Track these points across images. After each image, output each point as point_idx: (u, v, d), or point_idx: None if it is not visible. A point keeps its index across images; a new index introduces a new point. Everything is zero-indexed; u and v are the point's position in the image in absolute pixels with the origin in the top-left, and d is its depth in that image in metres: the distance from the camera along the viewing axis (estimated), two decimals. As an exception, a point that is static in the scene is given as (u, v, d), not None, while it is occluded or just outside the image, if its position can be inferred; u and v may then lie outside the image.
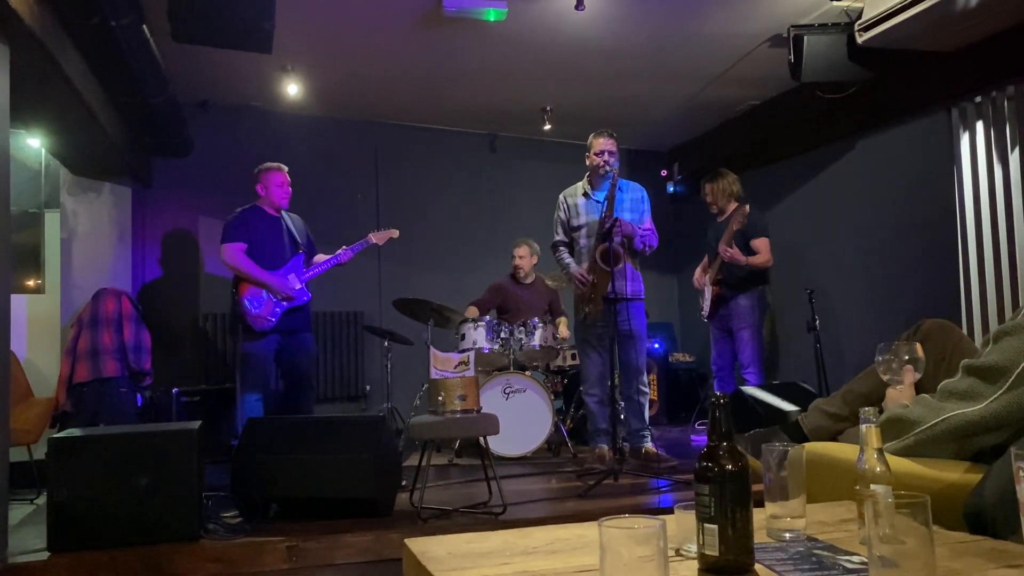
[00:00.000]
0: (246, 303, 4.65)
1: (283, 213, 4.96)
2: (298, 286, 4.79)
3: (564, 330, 5.70)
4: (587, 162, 4.79)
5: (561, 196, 4.90)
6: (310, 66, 5.69)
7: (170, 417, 5.45)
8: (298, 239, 4.93)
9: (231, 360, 6.32)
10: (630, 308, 4.59)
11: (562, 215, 4.86)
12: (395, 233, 5.24)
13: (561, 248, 4.85)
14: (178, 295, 6.31)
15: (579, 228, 4.76)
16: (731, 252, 5.17)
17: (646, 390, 4.74)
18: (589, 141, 4.78)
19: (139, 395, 5.32)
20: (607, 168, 4.59)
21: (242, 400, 4.70)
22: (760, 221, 5.37)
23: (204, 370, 6.25)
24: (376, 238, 5.15)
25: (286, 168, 4.93)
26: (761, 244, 5.28)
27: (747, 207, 5.15)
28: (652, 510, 3.53)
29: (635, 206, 4.74)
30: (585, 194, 4.79)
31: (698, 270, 5.68)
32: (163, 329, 5.91)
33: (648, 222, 4.78)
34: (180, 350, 6.20)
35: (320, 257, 5.03)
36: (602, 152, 4.67)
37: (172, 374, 5.88)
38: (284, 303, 4.72)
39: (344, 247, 5.00)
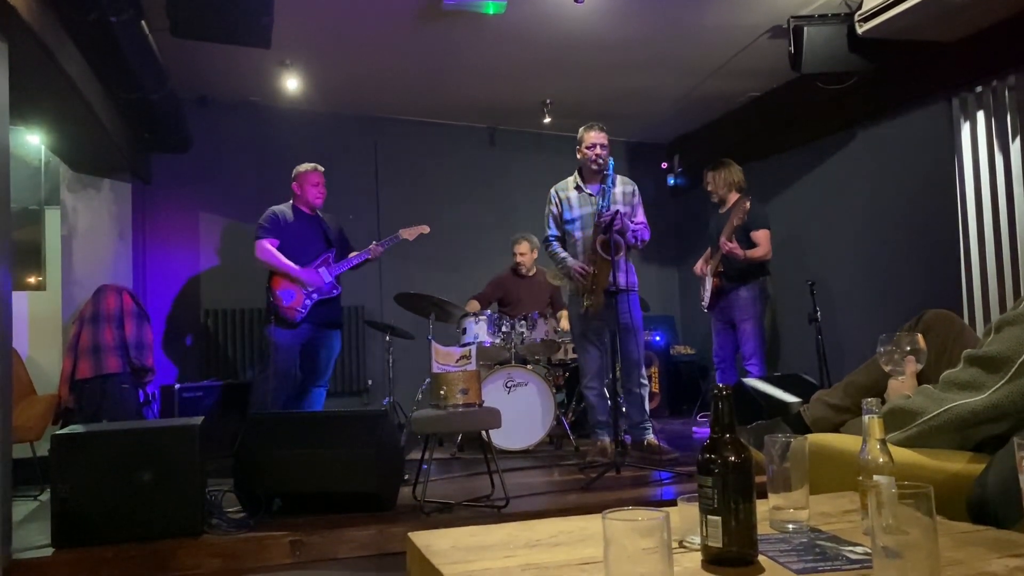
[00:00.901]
0: (279, 295, 4.83)
1: (318, 212, 5.12)
2: (328, 279, 4.94)
3: (566, 323, 5.70)
4: (578, 156, 4.78)
5: (552, 191, 4.88)
6: (309, 61, 5.68)
7: (173, 413, 5.46)
8: (330, 237, 5.07)
9: (234, 356, 6.34)
10: (629, 300, 4.58)
11: (554, 209, 4.84)
12: (426, 229, 5.34)
13: (554, 243, 4.84)
14: (179, 291, 6.32)
15: (572, 221, 4.75)
16: (730, 246, 5.17)
17: (646, 382, 4.74)
18: (579, 135, 4.76)
19: (141, 391, 5.33)
20: (601, 162, 4.59)
21: (263, 388, 4.88)
22: (761, 213, 5.37)
23: (206, 366, 6.26)
24: (406, 234, 5.27)
25: (321, 168, 5.12)
26: (761, 236, 5.27)
27: (747, 202, 5.14)
28: (655, 502, 3.54)
29: (627, 199, 4.73)
30: (577, 187, 4.78)
31: (700, 261, 5.67)
32: (165, 325, 5.91)
33: (640, 216, 4.78)
34: (182, 346, 6.21)
35: (353, 254, 5.15)
36: (594, 146, 4.66)
37: (175, 370, 5.88)
38: (315, 295, 4.88)
39: (374, 242, 5.13)
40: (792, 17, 4.99)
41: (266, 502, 3.38)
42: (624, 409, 4.81)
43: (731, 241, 5.18)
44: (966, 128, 4.95)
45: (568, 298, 4.99)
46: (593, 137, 4.68)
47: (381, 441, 3.43)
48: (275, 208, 5.02)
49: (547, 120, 6.84)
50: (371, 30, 5.20)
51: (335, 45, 5.47)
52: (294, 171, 5.10)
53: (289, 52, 5.47)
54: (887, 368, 2.10)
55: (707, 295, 5.50)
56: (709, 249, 5.60)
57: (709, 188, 5.59)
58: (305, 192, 5.05)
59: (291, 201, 5.09)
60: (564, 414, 5.50)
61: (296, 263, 4.88)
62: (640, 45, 5.55)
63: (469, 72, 6.05)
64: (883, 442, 1.45)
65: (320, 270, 4.93)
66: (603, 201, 4.50)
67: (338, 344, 5.16)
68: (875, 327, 2.49)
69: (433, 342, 3.90)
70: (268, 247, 4.88)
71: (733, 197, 5.44)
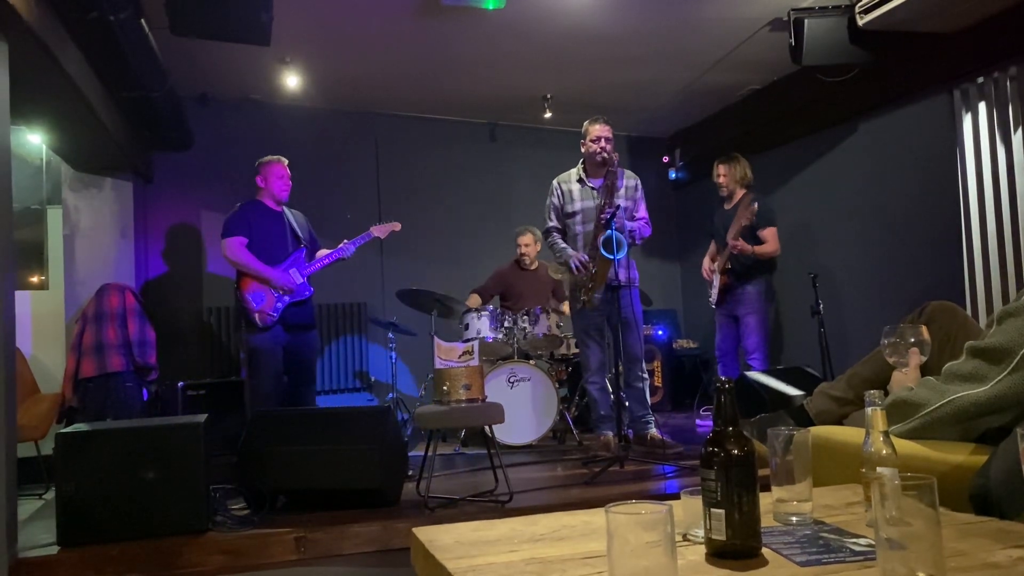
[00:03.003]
0: (248, 298, 4.66)
1: (285, 208, 4.96)
2: (300, 280, 4.80)
3: (567, 307, 5.68)
4: (582, 149, 4.77)
5: (555, 182, 4.87)
6: (309, 58, 5.68)
7: (176, 411, 5.47)
8: (300, 234, 4.92)
9: (236, 353, 6.35)
10: (630, 295, 4.58)
11: (556, 201, 4.83)
12: (397, 226, 5.22)
13: (554, 234, 4.83)
14: (182, 289, 6.32)
15: (574, 215, 4.75)
16: (740, 245, 5.13)
17: (645, 376, 4.74)
18: (584, 128, 4.75)
19: (145, 389, 5.34)
20: (605, 155, 4.57)
21: (252, 393, 4.75)
22: (767, 210, 5.31)
23: (209, 363, 6.27)
24: (378, 231, 5.14)
25: (286, 161, 4.93)
26: (769, 234, 5.23)
27: (755, 204, 5.09)
28: (658, 496, 3.54)
29: (629, 194, 4.73)
30: (580, 180, 4.77)
31: (706, 259, 5.62)
32: (168, 323, 5.92)
33: (642, 211, 4.78)
34: (185, 344, 6.22)
35: (322, 252, 5.02)
36: (598, 139, 4.64)
37: (177, 368, 5.89)
38: (286, 297, 4.72)
39: (346, 241, 4.98)
40: (792, 9, 4.98)
41: (270, 499, 3.39)
42: (626, 403, 4.81)
43: (737, 239, 5.15)
44: (968, 119, 4.94)
45: (568, 292, 4.99)
46: (598, 130, 4.67)
47: (384, 437, 3.43)
48: (241, 205, 4.85)
49: (547, 115, 6.84)
50: (371, 26, 5.20)
51: (335, 42, 5.47)
52: (257, 163, 4.91)
53: (289, 49, 5.47)
54: (891, 360, 2.10)
55: (715, 292, 5.47)
56: (714, 246, 5.57)
57: (721, 181, 5.51)
58: (270, 185, 4.84)
59: (256, 196, 4.89)
60: (567, 409, 5.50)
61: (266, 262, 4.71)
62: (640, 39, 5.54)
63: (469, 67, 6.05)
64: (886, 434, 1.46)
65: (291, 271, 4.77)
66: (604, 195, 4.49)
67: (317, 343, 5.04)
68: (878, 319, 2.50)
69: (435, 338, 3.89)
70: (237, 246, 4.69)
71: (740, 193, 5.42)
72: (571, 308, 4.94)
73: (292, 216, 4.97)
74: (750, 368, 5.16)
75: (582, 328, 4.77)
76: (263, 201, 4.89)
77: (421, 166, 7.16)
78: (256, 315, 4.65)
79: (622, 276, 4.35)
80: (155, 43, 4.43)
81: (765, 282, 5.32)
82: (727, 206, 5.50)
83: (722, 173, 5.50)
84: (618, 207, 4.38)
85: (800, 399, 2.82)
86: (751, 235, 5.23)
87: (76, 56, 4.07)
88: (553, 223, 4.84)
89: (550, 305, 5.57)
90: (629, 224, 4.60)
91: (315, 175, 6.24)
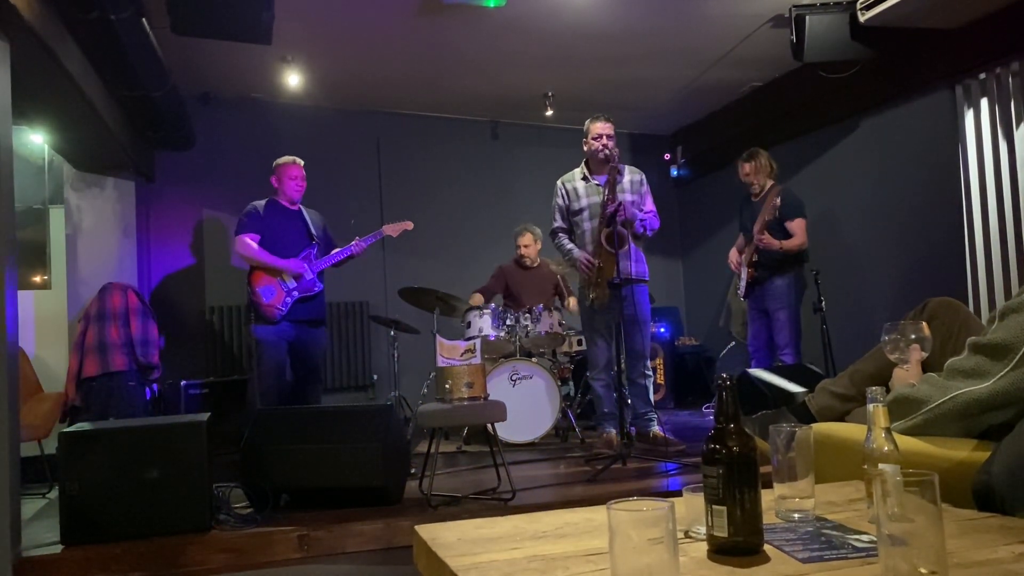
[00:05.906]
0: (259, 292, 4.73)
1: (302, 207, 5.03)
2: (310, 276, 4.83)
3: (574, 303, 5.65)
4: (584, 147, 4.78)
5: (559, 182, 4.87)
6: (310, 56, 5.68)
7: (179, 410, 5.48)
8: (313, 232, 4.98)
9: (239, 352, 6.35)
10: (635, 291, 4.58)
11: (561, 201, 4.83)
12: (409, 225, 5.26)
13: (560, 235, 4.83)
14: (184, 288, 6.33)
15: (580, 212, 4.74)
16: (765, 240, 5.09)
17: (649, 374, 4.74)
18: (586, 126, 4.76)
19: (148, 388, 5.34)
20: (606, 152, 4.57)
21: (257, 387, 4.81)
22: (795, 202, 5.22)
23: (212, 362, 6.27)
24: (389, 230, 5.19)
25: (301, 162, 5.00)
26: (797, 226, 5.16)
27: (778, 198, 5.04)
28: (660, 493, 3.54)
29: (635, 188, 4.73)
30: (584, 178, 4.77)
31: (733, 251, 5.58)
32: (170, 322, 5.92)
33: (649, 204, 4.78)
34: (188, 343, 6.22)
35: (335, 251, 5.06)
36: (600, 136, 4.65)
37: (180, 367, 5.90)
38: (296, 293, 4.78)
39: (357, 238, 5.03)
40: (794, 6, 4.98)
41: (273, 497, 3.39)
42: (628, 400, 4.81)
43: (763, 233, 5.11)
44: (970, 115, 4.93)
45: (578, 290, 4.99)
46: (599, 128, 4.67)
47: (387, 435, 3.43)
48: (255, 203, 4.93)
49: (549, 112, 6.84)
50: (372, 25, 5.20)
51: (336, 40, 5.47)
52: (273, 164, 5.00)
53: (290, 48, 5.48)
54: (892, 357, 2.10)
55: (743, 285, 5.44)
56: (741, 237, 5.54)
57: (748, 179, 5.42)
58: (284, 185, 4.94)
59: (271, 196, 4.98)
60: (569, 406, 5.50)
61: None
62: (641, 36, 5.54)
63: (471, 66, 6.05)
64: (888, 430, 1.45)
65: (302, 265, 4.85)
66: (607, 192, 4.49)
67: (324, 340, 5.09)
68: (880, 316, 2.49)
69: (438, 336, 3.89)
70: (248, 242, 4.77)
71: (769, 184, 5.38)
72: (579, 305, 4.94)
73: (308, 215, 5.04)
74: (782, 364, 5.11)
75: (589, 324, 4.78)
76: (279, 200, 4.98)
77: (423, 164, 7.16)
78: (265, 310, 4.71)
79: (626, 270, 4.35)
80: (156, 42, 4.43)
81: (794, 275, 5.22)
82: (755, 198, 5.43)
83: (747, 171, 5.41)
84: (620, 202, 4.38)
85: (802, 396, 2.81)
86: (779, 227, 5.16)
87: (77, 55, 4.08)
88: (559, 223, 4.84)
89: (552, 303, 5.56)
90: (638, 214, 4.60)
91: (317, 174, 6.19)
